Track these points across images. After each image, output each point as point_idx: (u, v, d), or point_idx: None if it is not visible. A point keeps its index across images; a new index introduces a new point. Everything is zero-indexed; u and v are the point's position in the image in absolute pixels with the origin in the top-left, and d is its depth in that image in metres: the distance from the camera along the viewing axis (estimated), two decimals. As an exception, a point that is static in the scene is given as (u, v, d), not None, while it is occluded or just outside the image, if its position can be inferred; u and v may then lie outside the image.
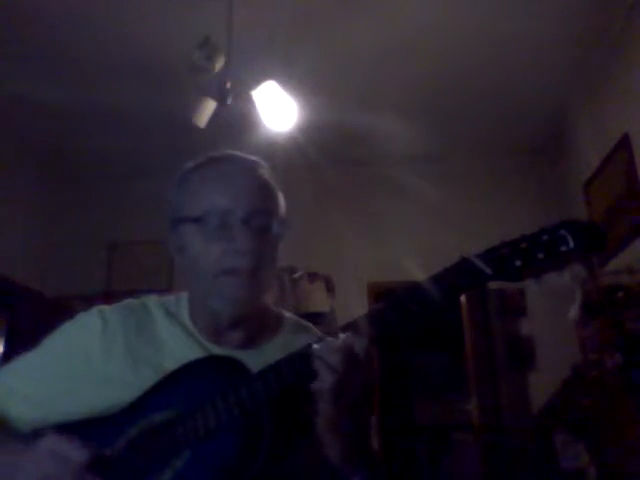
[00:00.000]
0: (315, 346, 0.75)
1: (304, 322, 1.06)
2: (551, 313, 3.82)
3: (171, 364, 0.88)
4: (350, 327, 0.78)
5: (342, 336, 0.75)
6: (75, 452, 0.77)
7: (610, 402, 2.69)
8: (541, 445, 3.53)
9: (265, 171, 0.97)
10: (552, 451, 3.30)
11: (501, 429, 4.02)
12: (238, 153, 0.99)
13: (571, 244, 0.72)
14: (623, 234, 3.24)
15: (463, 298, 4.23)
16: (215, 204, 0.90)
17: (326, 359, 0.73)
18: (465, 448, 5.02)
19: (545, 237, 0.74)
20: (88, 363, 0.93)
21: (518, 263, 0.74)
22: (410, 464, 5.34)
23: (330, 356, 0.73)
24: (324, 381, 0.73)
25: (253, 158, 0.98)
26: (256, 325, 0.97)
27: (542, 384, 3.94)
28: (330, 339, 0.76)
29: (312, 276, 4.28)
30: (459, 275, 0.75)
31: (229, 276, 0.89)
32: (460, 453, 5.31)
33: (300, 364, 0.77)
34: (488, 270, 0.74)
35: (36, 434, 0.88)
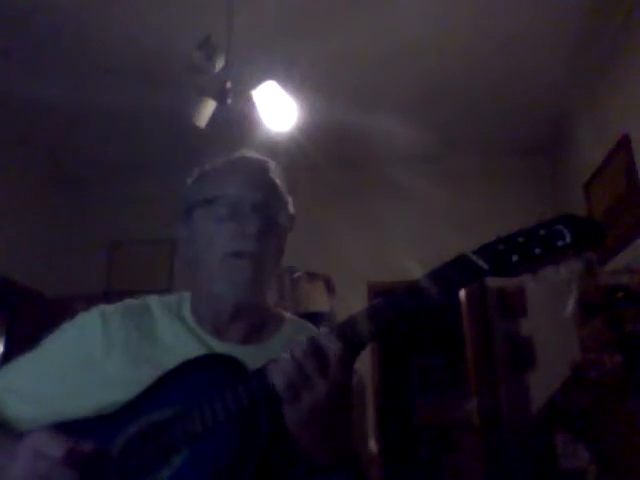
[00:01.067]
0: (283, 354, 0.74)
1: (304, 322, 1.07)
2: (551, 313, 3.81)
3: (172, 362, 0.88)
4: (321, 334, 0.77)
5: (304, 340, 0.74)
6: (52, 447, 0.76)
7: (610, 402, 2.69)
8: (541, 445, 3.53)
9: (275, 171, 1.01)
10: (552, 451, 3.30)
11: (501, 429, 4.02)
12: (251, 153, 1.03)
13: (568, 239, 0.72)
14: (623, 234, 3.24)
15: (463, 298, 4.23)
16: (227, 191, 0.94)
17: (280, 365, 0.73)
18: (465, 448, 5.03)
19: (542, 232, 0.74)
20: (89, 362, 0.93)
21: (515, 258, 0.74)
22: (410, 464, 5.34)
23: (284, 362, 0.73)
24: (277, 386, 0.73)
25: (264, 158, 1.02)
26: (257, 320, 0.98)
27: (542, 384, 3.94)
28: (294, 346, 0.74)
29: (312, 276, 4.28)
30: (456, 271, 0.75)
31: (235, 259, 0.91)
32: (460, 453, 5.31)
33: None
34: (485, 266, 0.74)
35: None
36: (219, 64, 2.86)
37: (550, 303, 3.67)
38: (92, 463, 0.78)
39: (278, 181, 1.00)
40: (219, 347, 0.94)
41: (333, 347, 0.74)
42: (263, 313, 1.00)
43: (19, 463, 0.77)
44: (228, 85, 3.00)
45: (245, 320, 0.96)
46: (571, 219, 0.73)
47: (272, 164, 1.02)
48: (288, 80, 3.23)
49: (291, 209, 1.00)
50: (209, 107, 3.09)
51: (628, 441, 2.53)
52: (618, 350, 2.64)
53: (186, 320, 0.98)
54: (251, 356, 0.84)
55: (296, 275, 4.20)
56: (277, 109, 3.12)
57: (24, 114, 4.07)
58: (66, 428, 0.87)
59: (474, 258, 0.75)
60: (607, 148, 3.48)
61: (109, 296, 4.18)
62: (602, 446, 2.80)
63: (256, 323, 0.98)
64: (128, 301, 1.02)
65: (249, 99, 3.08)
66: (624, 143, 3.28)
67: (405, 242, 4.31)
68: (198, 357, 0.88)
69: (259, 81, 3.04)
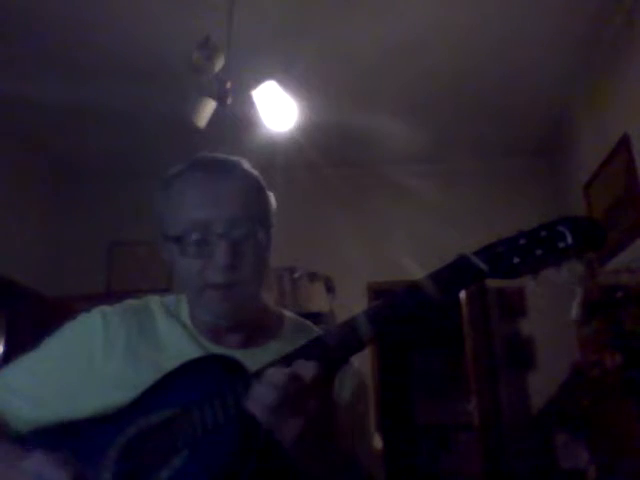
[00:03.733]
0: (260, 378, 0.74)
1: (305, 321, 1.06)
2: (551, 313, 3.82)
3: (172, 364, 0.87)
4: (296, 355, 0.76)
5: (285, 370, 0.72)
6: (54, 476, 0.75)
7: (610, 402, 2.69)
8: (541, 445, 3.53)
9: (247, 172, 0.95)
10: (552, 451, 3.30)
11: (501, 429, 4.02)
12: (219, 156, 0.97)
13: (569, 240, 0.71)
14: (623, 234, 3.24)
15: (463, 298, 4.23)
16: (193, 219, 0.89)
17: (260, 398, 0.72)
18: (465, 448, 5.03)
19: (543, 233, 0.73)
20: (89, 363, 0.93)
21: (516, 260, 0.73)
22: (410, 464, 5.34)
23: (265, 393, 0.71)
24: (259, 417, 0.72)
25: (234, 159, 0.97)
26: (255, 326, 0.97)
27: (542, 384, 3.94)
28: (270, 373, 0.73)
29: (312, 276, 4.28)
30: (456, 272, 0.75)
31: (212, 290, 0.89)
32: (460, 453, 5.32)
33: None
34: (485, 267, 0.74)
35: (34, 435, 0.88)
36: (219, 64, 2.86)
37: (550, 303, 3.68)
38: None
39: (251, 184, 0.94)
40: (217, 351, 0.93)
41: (310, 372, 0.72)
42: (261, 318, 0.99)
43: None
44: (228, 85, 3.00)
45: (241, 330, 0.95)
46: (572, 220, 0.73)
47: (243, 165, 0.96)
48: (288, 80, 3.23)
49: (270, 214, 0.95)
50: (209, 107, 3.09)
51: (628, 441, 2.53)
52: (618, 350, 2.64)
53: (185, 324, 0.98)
54: (251, 359, 0.83)
55: (296, 275, 4.21)
56: (277, 109, 3.12)
57: (24, 114, 4.07)
58: (67, 429, 0.87)
59: (475, 259, 0.74)
60: (607, 148, 3.48)
61: (109, 296, 4.18)
62: (602, 446, 2.80)
63: (253, 329, 0.97)
64: (128, 302, 1.01)
65: (249, 99, 3.08)
66: (624, 143, 3.28)
67: (405, 242, 4.31)
68: (198, 358, 0.88)
69: (259, 81, 3.04)
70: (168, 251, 0.94)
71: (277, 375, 0.72)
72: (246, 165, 0.96)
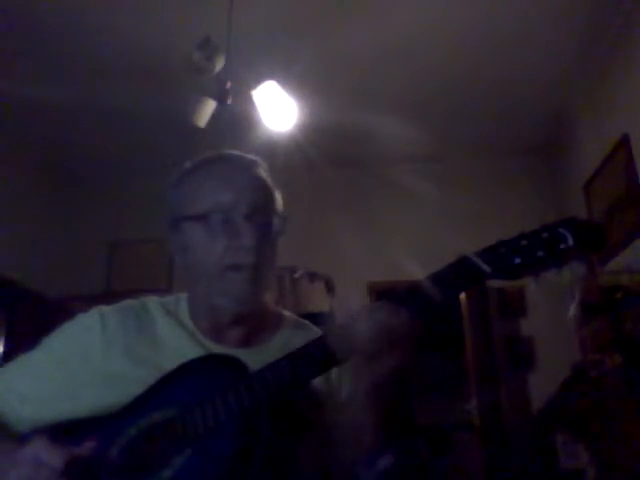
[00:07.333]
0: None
1: (303, 321, 1.06)
2: (551, 313, 3.82)
3: (171, 363, 0.88)
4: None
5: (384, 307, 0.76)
6: (52, 457, 0.76)
7: (610, 402, 2.69)
8: (541, 445, 3.52)
9: (263, 170, 0.98)
10: (552, 451, 3.30)
11: (501, 429, 4.02)
12: (236, 152, 1.00)
13: (570, 242, 0.72)
14: (623, 234, 3.23)
15: (463, 298, 4.23)
16: (218, 201, 0.91)
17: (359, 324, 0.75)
18: (465, 448, 5.02)
19: (545, 235, 0.74)
20: (87, 363, 0.93)
21: (517, 261, 0.74)
22: (410, 464, 5.34)
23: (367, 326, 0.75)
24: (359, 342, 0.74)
25: (252, 157, 1.00)
26: (256, 323, 0.98)
27: (542, 384, 3.94)
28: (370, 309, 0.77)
29: (312, 276, 4.28)
30: (458, 273, 0.75)
31: (233, 272, 0.90)
32: (460, 453, 5.31)
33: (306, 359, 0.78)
34: (487, 268, 0.74)
35: (34, 435, 0.88)
36: (219, 64, 2.86)
37: (550, 303, 3.68)
38: (91, 473, 0.78)
39: (267, 181, 0.97)
40: (217, 350, 0.93)
41: (402, 316, 0.75)
42: (262, 316, 1.00)
43: (18, 470, 0.77)
44: (228, 85, 3.00)
45: (243, 326, 0.95)
46: (574, 222, 0.73)
47: (260, 163, 0.99)
48: (288, 80, 3.23)
49: (282, 211, 0.98)
50: (209, 107, 3.09)
51: (628, 441, 2.52)
52: (618, 350, 2.64)
53: (184, 322, 0.98)
54: (250, 359, 0.84)
55: (296, 275, 4.20)
56: (277, 109, 3.12)
57: (23, 114, 4.07)
58: (67, 429, 0.87)
59: (476, 260, 0.75)
60: (607, 148, 3.48)
61: (109, 296, 4.17)
62: (602, 446, 2.80)
63: (254, 327, 0.97)
64: (127, 302, 1.01)
65: (249, 99, 3.08)
66: (624, 143, 3.28)
67: (405, 242, 4.31)
68: (198, 358, 0.88)
69: (259, 81, 3.04)
70: (185, 235, 0.93)
71: (378, 311, 0.75)
72: (262, 164, 1.00)
